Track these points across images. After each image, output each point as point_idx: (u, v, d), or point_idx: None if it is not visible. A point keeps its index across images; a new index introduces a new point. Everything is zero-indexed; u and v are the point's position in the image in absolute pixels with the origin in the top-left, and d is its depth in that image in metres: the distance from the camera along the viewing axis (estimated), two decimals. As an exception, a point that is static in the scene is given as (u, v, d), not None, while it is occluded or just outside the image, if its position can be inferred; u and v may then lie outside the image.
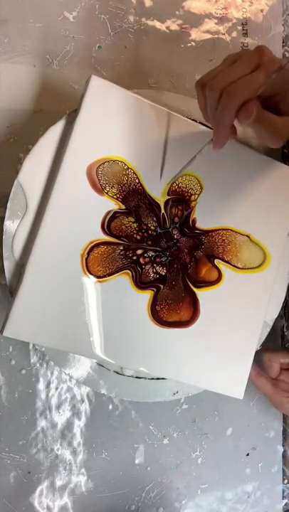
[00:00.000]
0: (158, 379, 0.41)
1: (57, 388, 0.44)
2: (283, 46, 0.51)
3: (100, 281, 0.38)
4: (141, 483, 0.46)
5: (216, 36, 0.49)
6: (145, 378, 0.41)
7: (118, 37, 0.46)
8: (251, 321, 0.41)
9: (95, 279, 0.37)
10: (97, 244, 0.38)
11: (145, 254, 0.39)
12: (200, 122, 0.41)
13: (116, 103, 0.38)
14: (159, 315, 0.39)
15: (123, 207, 0.38)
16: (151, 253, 0.39)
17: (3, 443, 0.43)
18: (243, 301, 0.41)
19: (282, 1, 0.51)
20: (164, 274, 0.40)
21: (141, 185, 0.39)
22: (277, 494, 0.50)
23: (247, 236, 0.41)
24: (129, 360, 0.38)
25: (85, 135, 0.37)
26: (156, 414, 0.46)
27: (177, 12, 0.48)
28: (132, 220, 0.39)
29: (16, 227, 0.37)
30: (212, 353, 0.40)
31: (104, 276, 0.38)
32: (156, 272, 0.39)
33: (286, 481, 0.50)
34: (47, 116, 0.44)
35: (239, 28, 0.50)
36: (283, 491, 0.50)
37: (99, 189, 0.38)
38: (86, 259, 0.37)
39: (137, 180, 0.39)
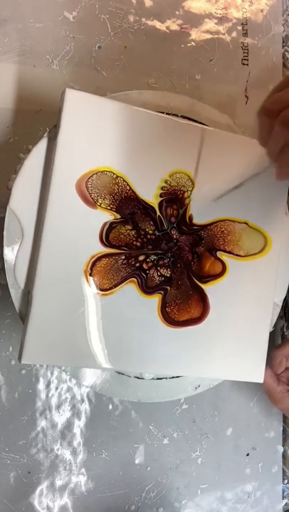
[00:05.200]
0: (178, 377, 0.41)
1: (57, 388, 0.44)
2: (283, 46, 0.51)
3: (107, 294, 0.38)
4: (141, 483, 0.46)
5: (216, 36, 0.49)
6: (166, 378, 0.41)
7: (118, 37, 0.46)
8: (261, 305, 0.42)
9: (101, 293, 0.37)
10: (99, 258, 0.38)
11: (148, 259, 0.39)
12: (182, 116, 0.41)
13: (95, 113, 0.37)
14: (170, 316, 0.39)
15: (118, 216, 0.38)
16: (153, 257, 0.39)
17: (3, 443, 0.43)
18: (251, 287, 0.41)
19: (283, 1, 0.51)
20: (168, 275, 0.40)
21: (133, 191, 0.38)
22: (277, 494, 0.50)
23: (245, 223, 0.41)
24: (147, 365, 0.39)
25: (69, 151, 0.37)
26: (156, 414, 0.46)
27: (177, 12, 0.48)
28: (130, 227, 0.39)
29: (16, 254, 0.37)
30: (227, 343, 0.40)
31: (110, 289, 0.38)
32: (161, 275, 0.39)
33: (286, 481, 0.50)
34: (47, 116, 0.44)
35: (239, 28, 0.50)
36: (283, 491, 0.50)
37: (91, 203, 0.37)
38: (90, 274, 0.37)
39: (128, 188, 0.38)
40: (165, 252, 0.40)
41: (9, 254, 0.37)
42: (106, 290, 0.38)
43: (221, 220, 0.41)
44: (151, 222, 0.39)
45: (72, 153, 0.37)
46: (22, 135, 0.44)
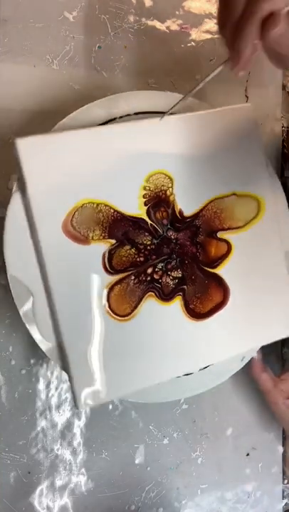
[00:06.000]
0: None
1: (57, 388, 0.44)
2: (283, 46, 0.51)
3: (131, 317, 0.38)
4: (141, 483, 0.46)
5: (216, 36, 0.49)
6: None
7: (118, 37, 0.46)
8: (275, 263, 0.42)
9: (125, 318, 0.38)
10: (111, 287, 0.38)
11: (156, 269, 0.39)
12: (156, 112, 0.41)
13: (53, 151, 0.37)
14: (196, 311, 0.40)
15: (113, 241, 0.38)
16: (160, 265, 0.39)
17: (3, 443, 0.43)
18: (260, 250, 0.42)
19: (282, 1, 0.51)
20: (181, 275, 0.40)
21: (118, 212, 0.38)
22: (277, 494, 0.50)
23: (233, 194, 0.41)
24: (187, 364, 0.39)
25: (44, 199, 0.36)
26: (156, 414, 0.46)
27: (177, 12, 0.48)
28: (128, 247, 0.39)
29: (33, 312, 0.37)
30: (256, 311, 0.41)
31: (132, 311, 0.38)
32: (174, 278, 0.40)
33: (286, 481, 0.50)
34: (47, 116, 0.44)
35: (239, 28, 0.49)
36: (283, 491, 0.50)
37: (83, 240, 0.37)
38: (109, 307, 0.38)
39: (112, 211, 0.38)
40: (169, 255, 0.40)
41: (28, 314, 0.37)
42: (129, 314, 0.38)
43: (209, 202, 0.41)
44: (146, 234, 0.39)
45: (48, 201, 0.36)
46: (22, 135, 0.44)
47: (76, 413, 0.45)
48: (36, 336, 0.37)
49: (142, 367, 0.38)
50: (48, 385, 0.44)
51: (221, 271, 0.41)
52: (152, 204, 0.39)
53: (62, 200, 0.37)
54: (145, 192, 0.39)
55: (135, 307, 0.39)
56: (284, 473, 0.50)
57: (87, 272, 0.37)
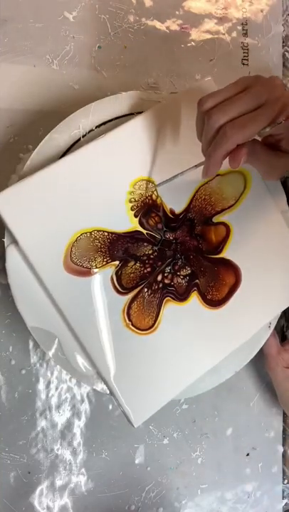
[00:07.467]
0: None
1: (57, 388, 0.44)
2: (283, 46, 0.51)
3: (156, 327, 0.39)
4: (141, 483, 0.46)
5: (216, 36, 0.49)
6: None
7: (118, 37, 0.46)
8: (275, 226, 0.42)
9: (152, 330, 0.39)
10: (129, 307, 0.38)
11: (165, 274, 0.39)
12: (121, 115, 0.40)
13: (31, 197, 0.36)
14: (214, 300, 0.40)
15: (117, 262, 0.38)
16: (168, 268, 0.39)
17: (3, 443, 0.43)
18: (257, 220, 0.42)
19: (282, 1, 0.51)
20: (190, 271, 0.40)
21: (112, 233, 0.38)
22: (277, 494, 0.50)
23: (217, 175, 0.41)
24: (223, 351, 0.40)
25: (37, 246, 0.36)
26: (156, 414, 0.46)
27: (177, 12, 0.48)
28: (132, 263, 0.39)
29: (62, 352, 0.38)
30: (270, 278, 0.41)
31: (155, 322, 0.39)
32: (184, 276, 0.40)
33: (286, 481, 0.50)
34: (47, 116, 0.44)
35: (239, 28, 0.50)
36: (283, 491, 0.50)
37: (87, 272, 0.37)
38: (132, 325, 0.38)
39: (106, 234, 0.38)
40: (173, 256, 0.40)
41: (58, 355, 0.38)
42: (153, 325, 0.39)
43: (196, 191, 0.41)
44: (145, 244, 0.39)
45: (42, 247, 0.36)
46: (22, 135, 0.44)
47: (76, 413, 0.45)
48: (75, 374, 0.38)
49: (177, 370, 0.39)
50: (48, 385, 0.44)
51: (226, 253, 0.41)
52: (142, 213, 0.39)
53: (56, 241, 0.37)
54: (132, 204, 0.39)
55: (157, 317, 0.39)
56: (284, 473, 0.50)
57: (101, 300, 0.38)
